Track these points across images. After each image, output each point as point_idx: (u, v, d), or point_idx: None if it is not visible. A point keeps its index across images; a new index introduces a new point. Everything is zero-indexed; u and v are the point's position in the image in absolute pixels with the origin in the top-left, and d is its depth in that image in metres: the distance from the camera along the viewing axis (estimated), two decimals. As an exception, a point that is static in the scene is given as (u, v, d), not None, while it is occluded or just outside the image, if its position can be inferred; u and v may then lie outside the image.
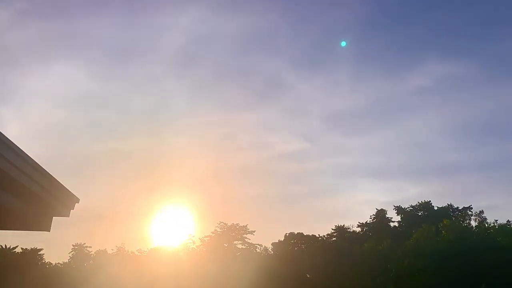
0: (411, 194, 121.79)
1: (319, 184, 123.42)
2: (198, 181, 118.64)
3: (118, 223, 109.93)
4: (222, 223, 73.80)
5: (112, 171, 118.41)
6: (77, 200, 6.40)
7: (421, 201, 79.62)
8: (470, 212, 76.46)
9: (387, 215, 77.81)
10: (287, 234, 71.11)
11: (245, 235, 73.31)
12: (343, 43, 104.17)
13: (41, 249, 71.62)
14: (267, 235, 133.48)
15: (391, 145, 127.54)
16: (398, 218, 79.22)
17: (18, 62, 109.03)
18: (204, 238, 74.11)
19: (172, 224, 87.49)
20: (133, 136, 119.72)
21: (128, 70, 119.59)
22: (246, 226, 73.47)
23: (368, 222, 77.34)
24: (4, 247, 68.07)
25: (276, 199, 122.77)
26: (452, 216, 74.18)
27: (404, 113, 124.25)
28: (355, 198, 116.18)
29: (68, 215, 6.52)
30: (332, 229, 74.34)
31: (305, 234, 70.28)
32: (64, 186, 5.98)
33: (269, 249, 71.63)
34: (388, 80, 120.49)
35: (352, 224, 78.59)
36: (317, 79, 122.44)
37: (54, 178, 5.69)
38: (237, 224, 73.53)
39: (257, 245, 72.58)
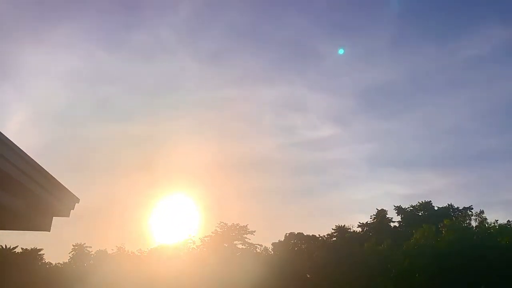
0: (435, 186, 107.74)
1: (338, 175, 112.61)
2: (204, 172, 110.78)
3: (118, 219, 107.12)
4: (222, 223, 73.91)
5: (112, 163, 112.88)
6: (77, 200, 6.39)
7: (422, 201, 79.72)
8: (470, 212, 76.45)
9: (387, 215, 77.91)
10: (287, 234, 71.16)
11: (245, 235, 73.36)
12: (341, 51, 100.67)
13: (41, 249, 71.66)
14: (272, 233, 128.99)
15: (425, 129, 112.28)
16: (399, 218, 79.34)
17: (6, 31, 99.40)
18: (205, 238, 74.25)
19: (174, 219, 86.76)
20: (136, 117, 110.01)
21: (133, 39, 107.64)
22: (246, 226, 73.62)
23: (368, 222, 77.46)
24: (4, 247, 68.02)
25: (292, 192, 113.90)
26: (453, 216, 74.13)
27: (448, 88, 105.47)
28: (376, 191, 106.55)
29: (68, 215, 6.52)
30: (333, 229, 74.39)
31: (305, 234, 70.39)
32: (64, 186, 5.97)
33: (269, 249, 71.70)
34: (435, 48, 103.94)
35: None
36: (352, 46, 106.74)
37: (54, 178, 5.69)
38: (237, 224, 73.64)
39: (257, 245, 72.70)
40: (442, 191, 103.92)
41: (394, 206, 79.67)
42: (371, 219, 77.53)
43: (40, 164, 5.36)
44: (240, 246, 72.95)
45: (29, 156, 5.08)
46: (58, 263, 74.13)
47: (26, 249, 70.04)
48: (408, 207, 79.67)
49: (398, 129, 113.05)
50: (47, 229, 6.48)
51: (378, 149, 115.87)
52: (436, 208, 78.12)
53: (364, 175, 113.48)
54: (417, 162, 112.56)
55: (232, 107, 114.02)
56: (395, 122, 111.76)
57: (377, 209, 78.41)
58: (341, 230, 73.92)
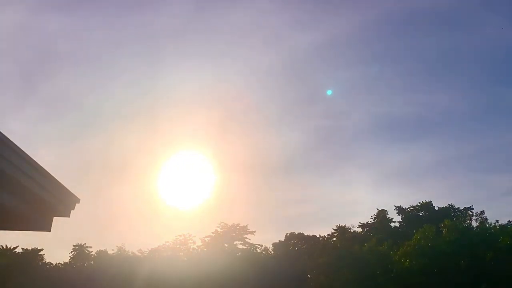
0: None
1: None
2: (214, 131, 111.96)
3: (118, 216, 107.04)
4: (222, 223, 73.89)
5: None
6: (78, 200, 6.38)
7: (422, 201, 79.67)
8: (471, 213, 76.41)
9: (388, 215, 77.90)
10: (288, 234, 71.18)
11: (245, 235, 73.35)
12: (329, 92, 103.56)
13: (41, 249, 71.71)
14: (273, 230, 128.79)
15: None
16: (399, 218, 79.33)
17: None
18: (205, 238, 74.21)
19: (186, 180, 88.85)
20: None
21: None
22: (246, 226, 73.61)
23: (369, 222, 77.47)
24: (4, 247, 68.07)
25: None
26: (453, 216, 74.04)
27: None
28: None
29: (68, 215, 6.50)
30: (333, 229, 74.44)
31: (305, 234, 70.46)
32: (64, 186, 5.96)
33: (270, 249, 71.69)
34: None
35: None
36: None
37: (54, 178, 5.68)
38: (238, 224, 73.65)
39: (258, 245, 72.69)
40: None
41: (395, 206, 79.79)
42: (371, 219, 77.61)
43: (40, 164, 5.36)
44: (240, 246, 72.97)
45: (29, 156, 5.07)
46: (58, 263, 74.22)
47: (27, 249, 70.13)
48: (409, 207, 79.66)
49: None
50: (47, 229, 6.47)
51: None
52: (436, 208, 78.05)
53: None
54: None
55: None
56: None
57: (377, 209, 78.51)
58: (342, 230, 73.96)
